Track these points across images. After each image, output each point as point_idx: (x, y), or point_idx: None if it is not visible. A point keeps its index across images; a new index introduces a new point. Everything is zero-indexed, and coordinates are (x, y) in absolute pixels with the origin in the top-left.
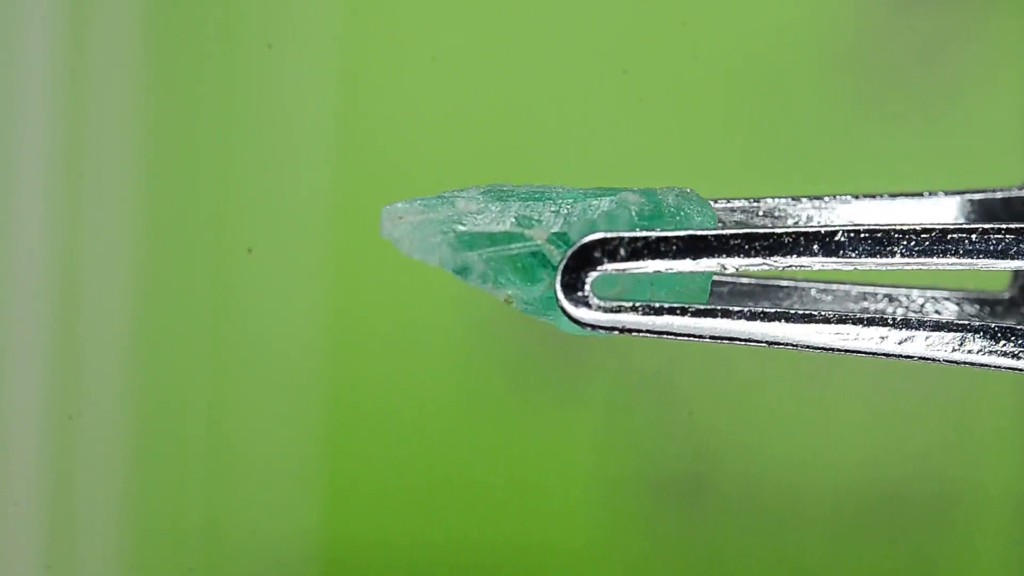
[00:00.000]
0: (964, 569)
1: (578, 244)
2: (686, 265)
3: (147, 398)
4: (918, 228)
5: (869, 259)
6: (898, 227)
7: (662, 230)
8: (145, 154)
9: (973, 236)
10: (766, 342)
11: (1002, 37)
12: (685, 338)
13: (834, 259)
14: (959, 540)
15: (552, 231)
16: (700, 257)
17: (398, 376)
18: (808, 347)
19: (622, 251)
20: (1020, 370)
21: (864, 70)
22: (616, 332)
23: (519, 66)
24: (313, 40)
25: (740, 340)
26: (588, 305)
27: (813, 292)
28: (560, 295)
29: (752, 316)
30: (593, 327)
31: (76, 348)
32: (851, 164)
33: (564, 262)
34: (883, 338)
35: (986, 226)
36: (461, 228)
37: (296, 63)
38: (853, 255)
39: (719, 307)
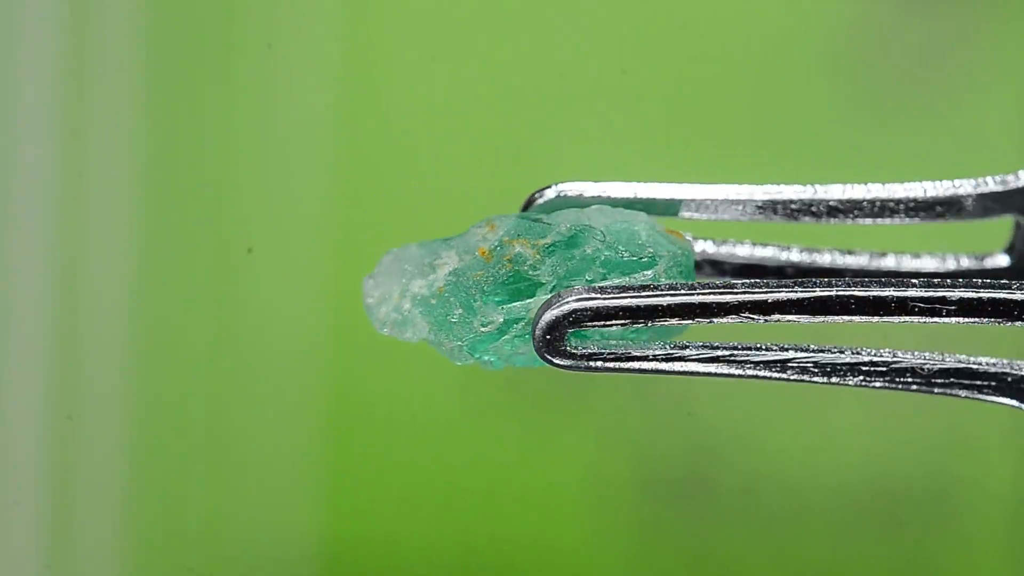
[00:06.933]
0: (964, 567)
1: (550, 315)
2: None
3: (147, 398)
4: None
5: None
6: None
7: (626, 292)
8: (145, 154)
9: None
10: (720, 375)
11: (1001, 40)
12: (653, 374)
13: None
14: (959, 538)
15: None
16: (649, 319)
17: (398, 376)
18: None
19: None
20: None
21: (864, 72)
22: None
23: (519, 66)
24: (313, 40)
25: (699, 374)
26: (565, 355)
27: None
28: (539, 342)
29: (704, 360)
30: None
31: (76, 348)
32: (851, 165)
33: (538, 328)
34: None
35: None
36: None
37: (296, 63)
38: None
39: (676, 352)
